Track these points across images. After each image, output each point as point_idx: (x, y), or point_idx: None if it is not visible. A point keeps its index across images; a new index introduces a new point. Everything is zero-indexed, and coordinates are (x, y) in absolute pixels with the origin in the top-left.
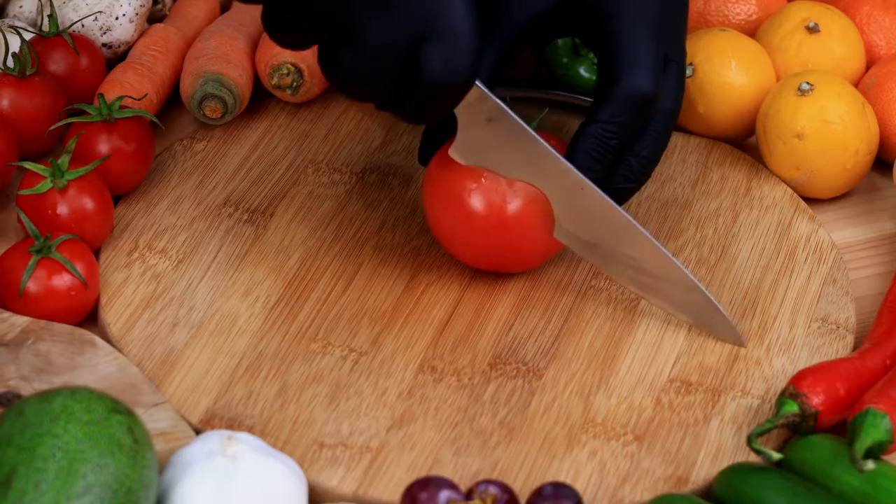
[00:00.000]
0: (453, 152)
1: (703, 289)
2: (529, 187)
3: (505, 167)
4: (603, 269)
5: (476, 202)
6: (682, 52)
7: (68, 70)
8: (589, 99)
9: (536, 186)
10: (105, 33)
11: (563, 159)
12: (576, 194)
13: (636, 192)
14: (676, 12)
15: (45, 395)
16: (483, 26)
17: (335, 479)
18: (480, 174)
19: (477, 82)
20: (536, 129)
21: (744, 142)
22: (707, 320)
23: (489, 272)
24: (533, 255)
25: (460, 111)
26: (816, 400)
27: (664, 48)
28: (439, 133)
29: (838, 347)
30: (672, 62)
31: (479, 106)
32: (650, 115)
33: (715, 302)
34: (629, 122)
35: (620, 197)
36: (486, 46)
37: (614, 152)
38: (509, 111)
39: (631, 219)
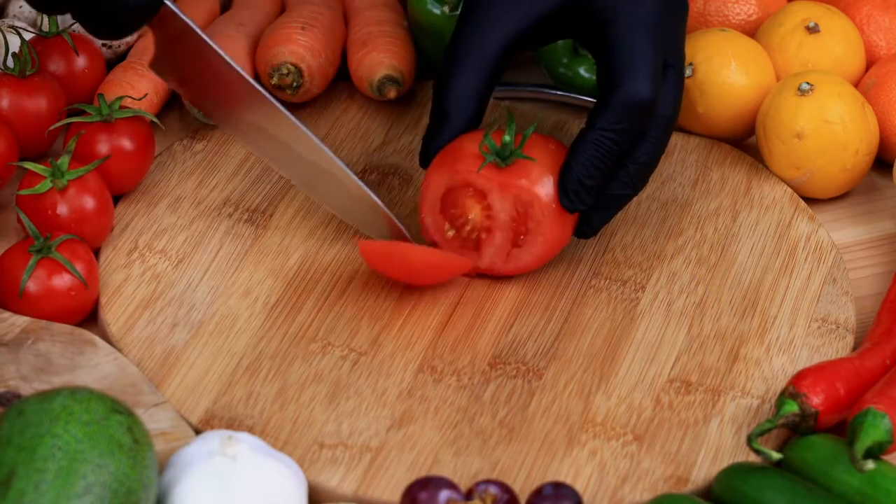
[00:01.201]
0: (152, 66)
1: (363, 185)
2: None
3: (194, 83)
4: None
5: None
6: (680, 58)
7: (68, 70)
8: (589, 99)
9: (218, 101)
10: None
11: (238, 68)
12: (260, 115)
13: (633, 197)
14: (676, 18)
15: (45, 395)
16: (479, 29)
17: (335, 479)
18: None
19: (166, 1)
20: (534, 132)
21: (744, 142)
22: (369, 220)
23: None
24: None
25: (154, 28)
26: (816, 400)
27: (663, 54)
28: (440, 135)
29: (838, 347)
30: (670, 68)
31: (170, 23)
32: (649, 122)
33: (376, 199)
34: (629, 129)
35: (618, 203)
36: (485, 49)
37: (615, 159)
38: (195, 27)
39: (312, 135)
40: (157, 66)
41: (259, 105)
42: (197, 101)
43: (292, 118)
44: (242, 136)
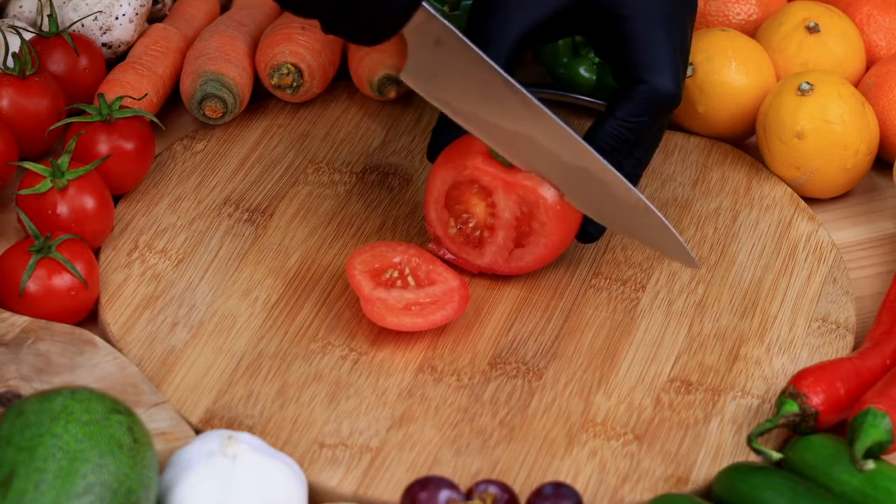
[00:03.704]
0: (405, 76)
1: (654, 209)
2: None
3: (455, 92)
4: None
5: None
6: (687, 55)
7: (68, 70)
8: (589, 99)
9: (485, 113)
10: (105, 33)
11: (514, 82)
12: (525, 121)
13: None
14: (686, 14)
15: (45, 395)
16: (493, 26)
17: (335, 479)
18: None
19: (424, 3)
20: None
21: (744, 142)
22: (661, 242)
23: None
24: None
25: (409, 33)
26: (816, 400)
27: (679, 47)
28: (449, 129)
29: (838, 347)
30: None
31: (427, 28)
32: (668, 117)
33: (666, 222)
34: (648, 123)
35: None
36: (499, 44)
37: (627, 149)
38: (458, 33)
39: (582, 141)
40: (410, 74)
41: (529, 113)
42: (454, 111)
43: (567, 129)
44: (500, 145)
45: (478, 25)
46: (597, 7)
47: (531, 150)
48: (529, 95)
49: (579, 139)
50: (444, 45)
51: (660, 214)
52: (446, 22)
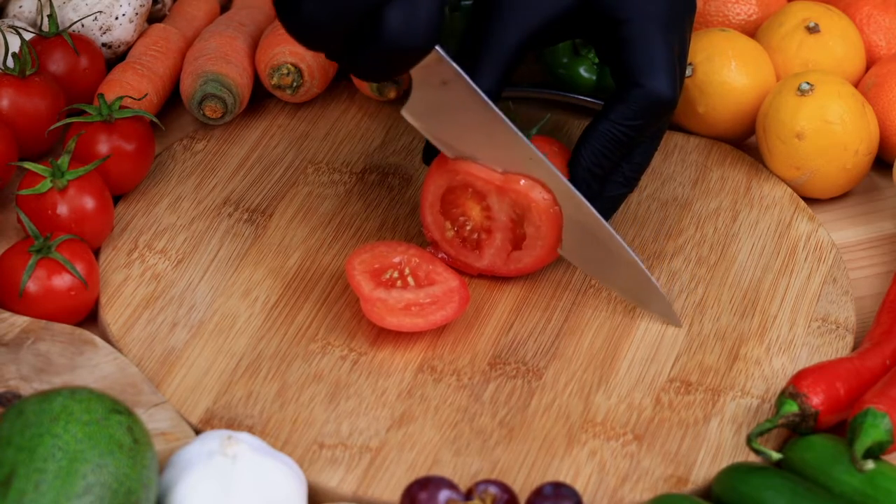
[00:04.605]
0: (406, 111)
1: (640, 262)
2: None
3: (456, 132)
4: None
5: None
6: (686, 57)
7: (68, 70)
8: (589, 99)
9: (485, 156)
10: (105, 33)
11: (514, 128)
12: (524, 165)
13: (627, 196)
14: (685, 16)
15: (45, 395)
16: (493, 29)
17: (335, 479)
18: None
19: (437, 47)
20: (537, 133)
21: (744, 142)
22: (644, 298)
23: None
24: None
25: (416, 71)
26: (816, 400)
27: (676, 52)
28: None
29: (838, 347)
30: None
31: (436, 68)
32: (666, 121)
33: (651, 278)
34: (644, 126)
35: (617, 203)
36: (499, 48)
37: (622, 153)
38: (465, 76)
39: (576, 192)
40: (413, 110)
41: (529, 163)
42: (454, 152)
43: (563, 180)
44: None
45: (478, 29)
46: (596, 11)
47: None
48: (530, 144)
49: (576, 192)
50: (450, 86)
51: (648, 273)
52: (456, 66)
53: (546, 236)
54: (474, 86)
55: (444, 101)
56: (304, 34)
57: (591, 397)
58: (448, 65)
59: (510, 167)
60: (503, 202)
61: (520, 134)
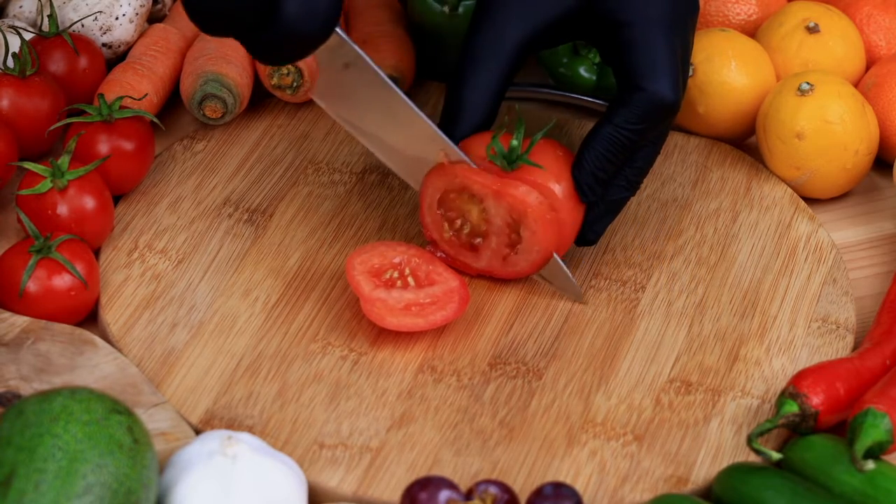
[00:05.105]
0: (314, 95)
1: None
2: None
3: (360, 114)
4: None
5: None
6: (689, 59)
7: (68, 70)
8: (589, 99)
9: (389, 138)
10: (105, 33)
11: (416, 109)
12: (426, 147)
13: (629, 200)
14: (687, 18)
15: (45, 395)
16: (495, 29)
17: (335, 479)
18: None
19: (337, 29)
20: (544, 137)
21: (744, 142)
22: (549, 275)
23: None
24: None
25: (320, 54)
26: (816, 400)
27: (678, 55)
28: (450, 134)
29: (838, 347)
30: None
31: (338, 51)
32: (669, 124)
33: (557, 258)
34: (646, 129)
35: (618, 206)
36: (501, 49)
37: (627, 154)
38: (366, 58)
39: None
40: (319, 93)
41: (432, 142)
42: (359, 132)
43: (467, 160)
44: (402, 170)
45: (479, 30)
46: (597, 13)
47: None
48: (432, 124)
49: (470, 163)
50: (353, 69)
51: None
52: (356, 47)
53: (542, 241)
54: (376, 67)
55: (348, 83)
56: (204, 20)
57: (591, 398)
58: (350, 47)
59: (414, 148)
60: (500, 206)
61: (422, 115)
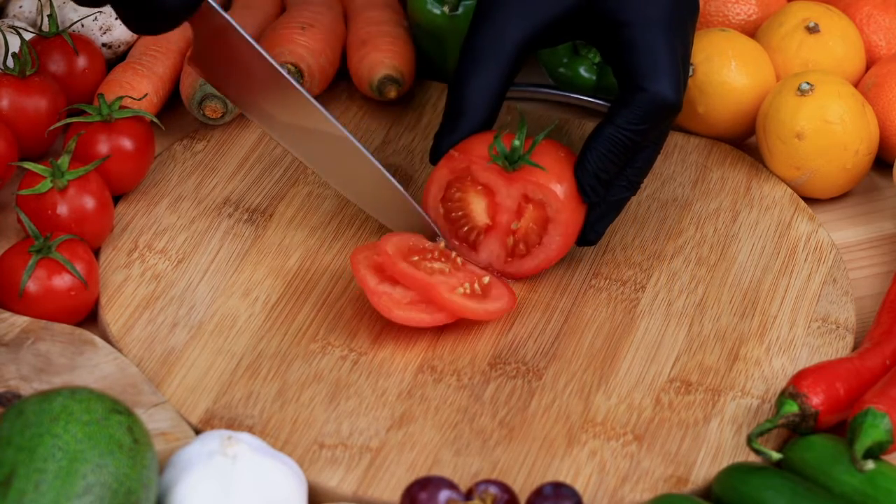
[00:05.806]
0: (190, 63)
1: (396, 183)
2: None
3: (234, 82)
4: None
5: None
6: (689, 59)
7: (68, 70)
8: (589, 98)
9: (262, 104)
10: (105, 33)
11: (289, 77)
12: (298, 113)
13: (629, 200)
14: (687, 18)
15: (45, 395)
16: (495, 29)
17: (335, 479)
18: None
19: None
20: (545, 138)
21: (744, 142)
22: (402, 218)
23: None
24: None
25: (194, 23)
26: (816, 400)
27: (678, 55)
28: (453, 133)
29: (838, 347)
30: None
31: (209, 20)
32: (670, 124)
33: (408, 197)
34: (648, 130)
35: (619, 206)
36: (502, 48)
37: (628, 157)
38: (238, 27)
39: (351, 137)
40: (195, 60)
41: (292, 101)
42: (231, 96)
43: (332, 120)
44: (280, 135)
45: (479, 30)
46: (597, 13)
47: (307, 141)
48: (301, 89)
49: (340, 128)
50: (224, 37)
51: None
52: (227, 16)
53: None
54: (247, 35)
55: (221, 51)
56: None
57: (591, 397)
58: (220, 16)
59: (289, 116)
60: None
61: (295, 83)
